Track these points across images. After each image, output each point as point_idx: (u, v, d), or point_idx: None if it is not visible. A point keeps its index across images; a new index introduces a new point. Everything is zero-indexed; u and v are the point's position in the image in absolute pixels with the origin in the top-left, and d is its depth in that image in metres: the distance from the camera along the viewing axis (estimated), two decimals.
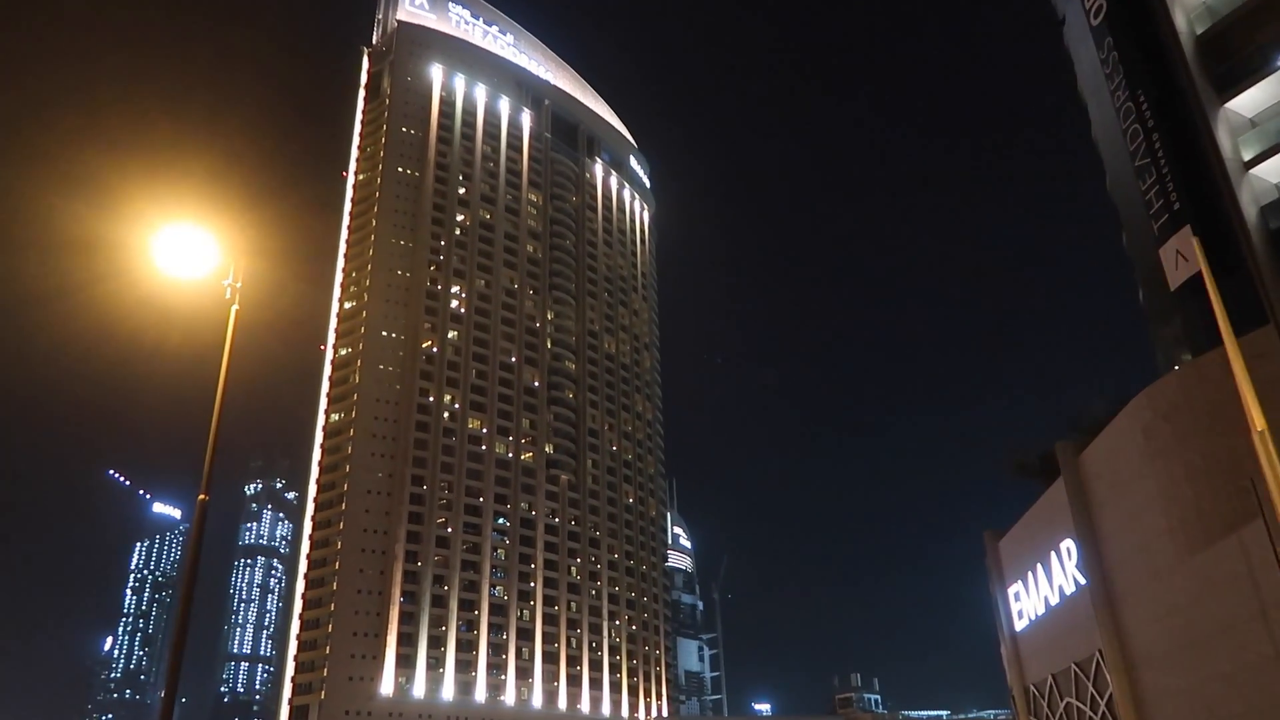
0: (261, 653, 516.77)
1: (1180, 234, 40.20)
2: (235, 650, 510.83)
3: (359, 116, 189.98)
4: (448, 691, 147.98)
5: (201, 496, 18.96)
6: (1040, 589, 54.96)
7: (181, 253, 19.99)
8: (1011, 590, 59.62)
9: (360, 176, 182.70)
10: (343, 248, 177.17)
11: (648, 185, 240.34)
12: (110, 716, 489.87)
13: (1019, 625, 58.56)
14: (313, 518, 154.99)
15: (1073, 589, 49.56)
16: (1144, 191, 45.61)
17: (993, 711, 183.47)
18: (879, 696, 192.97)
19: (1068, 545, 49.26)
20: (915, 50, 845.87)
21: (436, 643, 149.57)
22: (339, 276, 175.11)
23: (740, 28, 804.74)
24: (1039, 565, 54.61)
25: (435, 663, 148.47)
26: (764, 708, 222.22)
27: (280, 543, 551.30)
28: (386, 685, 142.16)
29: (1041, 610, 55.02)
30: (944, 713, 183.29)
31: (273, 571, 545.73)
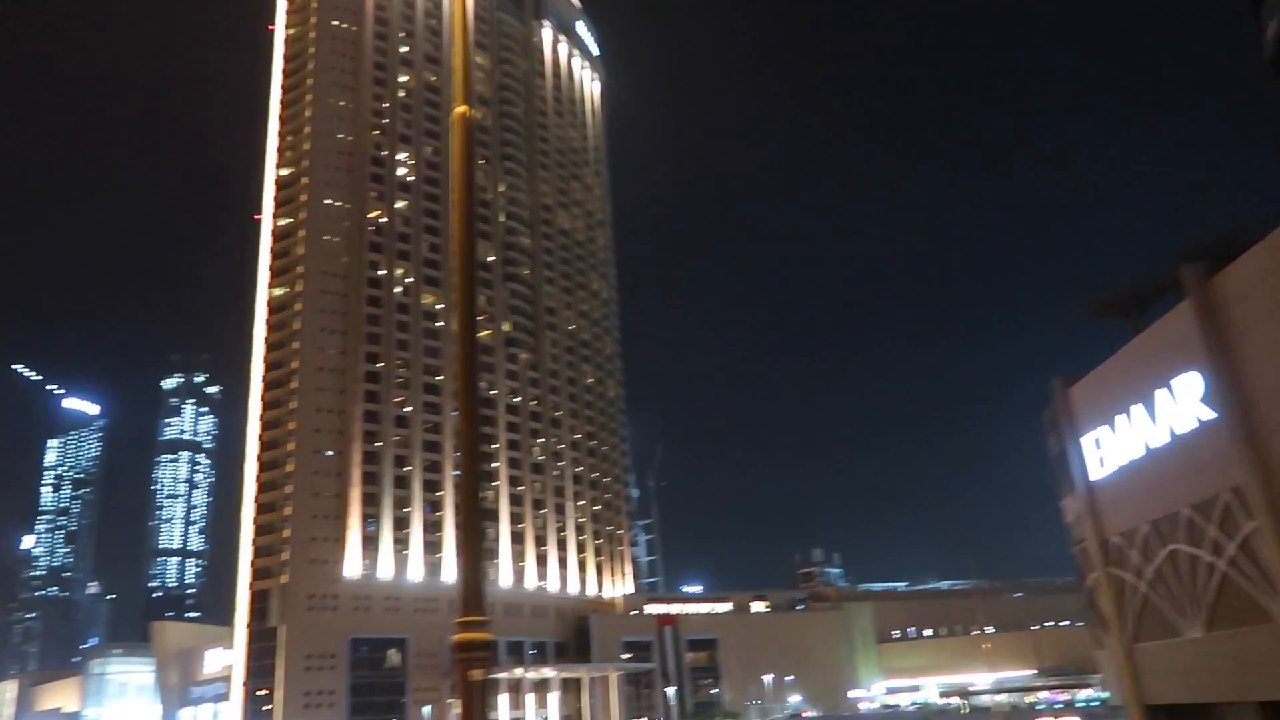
0: (190, 547, 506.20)
1: None
2: (163, 545, 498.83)
3: None
4: (415, 573, 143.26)
5: None
6: (1138, 431, 51.17)
7: None
8: (1089, 438, 56.10)
9: (291, 31, 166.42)
10: (276, 108, 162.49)
11: (597, 54, 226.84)
12: (36, 614, 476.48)
13: (1098, 474, 55.22)
14: (262, 397, 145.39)
15: (1192, 426, 45.72)
16: None
17: (950, 582, 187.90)
18: (840, 570, 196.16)
19: (1188, 379, 45.20)
20: None
21: (401, 524, 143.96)
22: (274, 140, 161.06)
23: None
24: (1136, 406, 50.77)
25: (401, 545, 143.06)
26: (695, 589, 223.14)
27: (204, 437, 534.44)
28: (351, 568, 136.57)
29: (1139, 454, 51.41)
30: (902, 584, 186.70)
31: (197, 466, 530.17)
